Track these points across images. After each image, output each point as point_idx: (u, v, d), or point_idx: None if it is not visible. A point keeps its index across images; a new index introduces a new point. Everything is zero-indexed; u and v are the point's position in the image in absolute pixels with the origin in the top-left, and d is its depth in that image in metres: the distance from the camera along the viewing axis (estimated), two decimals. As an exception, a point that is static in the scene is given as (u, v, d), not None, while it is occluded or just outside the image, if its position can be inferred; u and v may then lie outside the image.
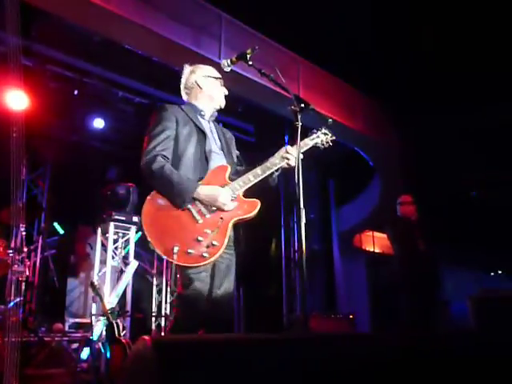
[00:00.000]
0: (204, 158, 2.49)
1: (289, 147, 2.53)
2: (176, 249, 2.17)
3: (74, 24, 5.15)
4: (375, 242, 10.91)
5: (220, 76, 2.71)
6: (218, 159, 2.54)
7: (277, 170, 2.54)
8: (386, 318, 7.70)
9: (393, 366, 1.26)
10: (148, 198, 2.35)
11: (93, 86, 6.19)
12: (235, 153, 2.74)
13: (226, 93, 2.70)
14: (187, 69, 2.73)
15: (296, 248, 8.69)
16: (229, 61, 2.52)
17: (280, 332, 7.63)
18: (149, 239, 2.23)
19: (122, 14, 4.95)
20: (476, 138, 7.31)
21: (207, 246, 2.24)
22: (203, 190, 2.33)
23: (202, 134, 2.53)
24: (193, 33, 5.69)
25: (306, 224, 2.13)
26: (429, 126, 7.50)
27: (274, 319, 8.23)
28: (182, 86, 2.74)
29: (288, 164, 2.51)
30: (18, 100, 5.50)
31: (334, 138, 2.74)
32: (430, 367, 1.28)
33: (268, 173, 2.47)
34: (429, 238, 4.49)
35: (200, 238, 2.24)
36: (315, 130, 2.70)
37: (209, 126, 2.65)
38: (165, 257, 2.20)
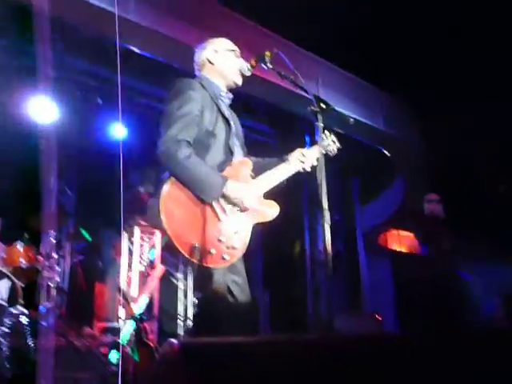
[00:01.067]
0: (229, 150, 2.32)
1: (304, 150, 2.49)
2: (197, 247, 2.02)
3: (95, 33, 5.23)
4: (401, 240, 10.75)
5: (235, 48, 2.54)
6: (237, 152, 2.38)
7: None
8: (413, 317, 7.60)
9: (420, 366, 1.25)
10: (168, 182, 2.13)
11: (116, 94, 6.28)
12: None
13: (243, 66, 2.49)
14: (199, 47, 2.58)
15: (320, 248, 8.64)
16: (248, 65, 2.51)
17: (305, 333, 7.59)
18: (167, 231, 2.03)
19: (142, 23, 5.01)
20: (498, 133, 7.17)
21: (227, 248, 2.11)
22: (232, 186, 2.16)
23: (226, 121, 2.36)
24: (209, 36, 5.73)
25: (330, 224, 2.09)
26: (452, 123, 7.39)
27: (299, 320, 8.21)
28: (194, 65, 2.57)
29: (303, 168, 2.47)
30: (47, 111, 5.67)
31: (339, 147, 2.69)
32: (458, 367, 1.27)
33: (288, 176, 2.42)
34: (456, 237, 4.43)
35: (222, 238, 2.11)
36: (324, 136, 2.61)
37: (228, 112, 2.46)
38: (184, 253, 2.03)
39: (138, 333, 3.78)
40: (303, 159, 2.46)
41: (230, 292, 2.25)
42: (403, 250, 10.83)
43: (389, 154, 8.28)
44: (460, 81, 6.70)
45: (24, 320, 3.80)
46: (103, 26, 5.01)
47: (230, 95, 2.54)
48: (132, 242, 5.61)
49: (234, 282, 2.28)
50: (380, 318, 6.12)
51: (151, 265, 5.64)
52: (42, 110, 5.68)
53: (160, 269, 4.86)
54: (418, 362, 1.29)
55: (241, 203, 2.17)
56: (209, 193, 2.10)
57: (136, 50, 5.37)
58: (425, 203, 4.63)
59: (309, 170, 2.47)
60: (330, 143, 2.65)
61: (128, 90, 6.41)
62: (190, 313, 6.36)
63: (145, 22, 5.03)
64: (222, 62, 2.49)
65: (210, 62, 2.49)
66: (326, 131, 2.60)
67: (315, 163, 2.34)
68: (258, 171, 2.40)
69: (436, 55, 6.49)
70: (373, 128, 7.47)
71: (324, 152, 2.56)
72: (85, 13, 4.83)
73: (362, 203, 10.17)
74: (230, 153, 2.32)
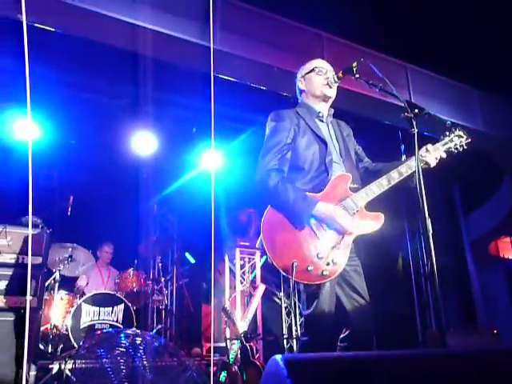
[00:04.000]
0: (324, 168, 2.35)
1: (429, 146, 2.42)
2: (295, 265, 2.07)
3: (186, 67, 5.48)
4: (515, 248, 9.95)
5: (315, 66, 2.62)
6: (337, 168, 2.39)
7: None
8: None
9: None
10: (268, 208, 2.25)
11: (208, 121, 6.53)
12: (354, 150, 2.62)
13: (329, 79, 2.54)
14: (295, 78, 2.75)
15: (425, 261, 8.24)
16: (336, 77, 2.53)
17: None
18: (267, 252, 2.15)
19: (229, 51, 5.18)
20: None
21: (327, 264, 2.13)
22: (321, 208, 2.19)
23: (322, 142, 2.42)
24: (295, 57, 5.78)
25: (433, 235, 1.98)
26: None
27: (408, 337, 7.83)
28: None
29: (427, 163, 2.42)
30: (147, 144, 6.10)
31: (469, 140, 2.53)
32: None
33: (393, 183, 2.33)
34: None
35: (320, 255, 2.13)
36: (447, 133, 2.52)
37: (327, 130, 2.54)
38: (283, 272, 2.10)
39: (245, 352, 3.83)
40: (424, 156, 2.40)
41: (343, 308, 2.24)
42: (519, 258, 10.00)
43: (491, 156, 7.72)
44: None
45: (138, 341, 4.01)
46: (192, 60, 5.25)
47: (331, 111, 2.64)
48: (234, 263, 5.75)
49: (350, 296, 2.26)
50: (498, 333, 5.65)
51: (253, 284, 5.74)
52: (143, 144, 6.10)
53: (262, 288, 4.92)
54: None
55: (333, 224, 2.19)
56: (299, 218, 2.18)
57: (226, 77, 5.52)
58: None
59: (433, 164, 2.44)
60: (452, 138, 2.53)
61: (219, 116, 6.64)
62: (294, 331, 6.36)
63: (231, 50, 5.19)
64: (309, 85, 2.61)
65: (302, 90, 2.65)
66: (451, 128, 2.52)
67: (438, 158, 2.40)
68: (369, 178, 2.41)
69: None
70: (471, 130, 7.03)
71: (449, 150, 2.53)
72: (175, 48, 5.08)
73: (466, 211, 9.56)
74: (326, 171, 2.35)
